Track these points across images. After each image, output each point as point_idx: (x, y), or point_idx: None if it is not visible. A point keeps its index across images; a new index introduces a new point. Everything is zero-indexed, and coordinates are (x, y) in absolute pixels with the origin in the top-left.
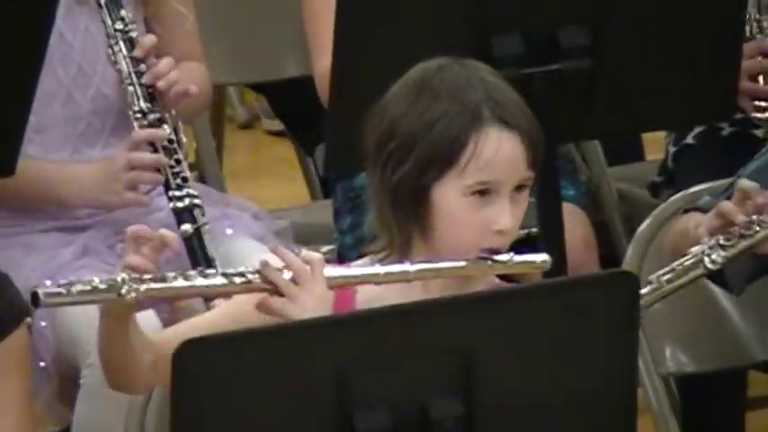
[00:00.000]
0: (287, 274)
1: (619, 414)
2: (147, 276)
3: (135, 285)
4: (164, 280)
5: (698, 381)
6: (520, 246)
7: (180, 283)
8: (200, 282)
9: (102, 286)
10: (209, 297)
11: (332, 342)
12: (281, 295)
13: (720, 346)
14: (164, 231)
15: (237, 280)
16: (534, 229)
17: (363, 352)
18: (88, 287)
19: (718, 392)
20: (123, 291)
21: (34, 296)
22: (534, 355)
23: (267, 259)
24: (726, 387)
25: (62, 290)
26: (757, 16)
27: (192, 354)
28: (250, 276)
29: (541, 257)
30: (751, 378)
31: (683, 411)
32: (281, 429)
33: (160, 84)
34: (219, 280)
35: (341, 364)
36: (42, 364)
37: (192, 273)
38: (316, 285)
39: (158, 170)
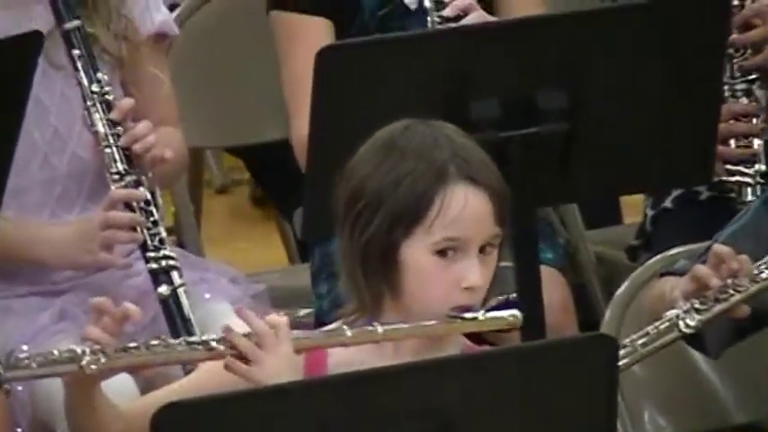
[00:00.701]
0: (252, 338)
1: None
2: (108, 348)
3: (95, 357)
4: (125, 351)
5: None
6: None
7: (142, 353)
8: (162, 352)
9: (63, 358)
10: (173, 365)
11: (308, 406)
12: (247, 359)
13: (699, 410)
14: (127, 305)
15: (200, 348)
16: (513, 295)
17: (341, 416)
18: (48, 359)
19: None
20: (84, 362)
21: None
22: (512, 417)
23: (230, 325)
24: None
25: (22, 363)
26: (729, 80)
27: (169, 419)
28: (213, 344)
29: (511, 314)
30: None
31: None
32: None
33: (137, 147)
34: (182, 349)
35: (320, 427)
36: (19, 430)
37: (154, 342)
38: (280, 348)
39: (134, 230)
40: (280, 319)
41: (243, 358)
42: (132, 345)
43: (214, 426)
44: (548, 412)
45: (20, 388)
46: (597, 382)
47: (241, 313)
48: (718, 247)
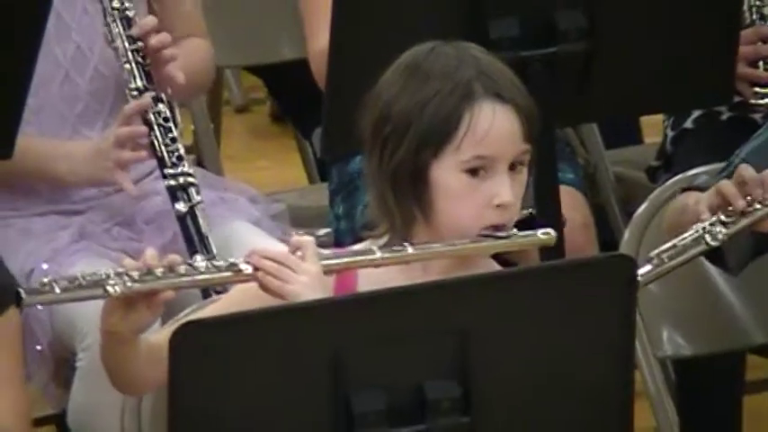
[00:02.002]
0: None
1: (615, 397)
2: (132, 272)
3: (120, 280)
4: (150, 274)
5: (695, 364)
6: (521, 228)
7: (168, 276)
8: (188, 274)
9: (87, 282)
10: (198, 288)
11: (328, 324)
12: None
13: (718, 329)
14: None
15: (226, 271)
16: (531, 210)
17: (360, 334)
18: (72, 284)
19: (716, 376)
20: (108, 285)
21: (17, 295)
22: (531, 337)
23: (254, 248)
24: (723, 370)
25: (45, 287)
26: (757, 2)
27: (188, 337)
28: (241, 266)
29: (545, 232)
30: (749, 361)
31: (680, 395)
32: (277, 411)
33: (152, 41)
34: (209, 271)
35: (337, 346)
36: (39, 347)
37: (180, 266)
38: (309, 266)
39: (152, 146)
40: (305, 238)
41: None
42: (158, 268)
43: (231, 344)
44: (567, 331)
45: (39, 307)
46: (616, 301)
47: (258, 251)
48: (744, 170)
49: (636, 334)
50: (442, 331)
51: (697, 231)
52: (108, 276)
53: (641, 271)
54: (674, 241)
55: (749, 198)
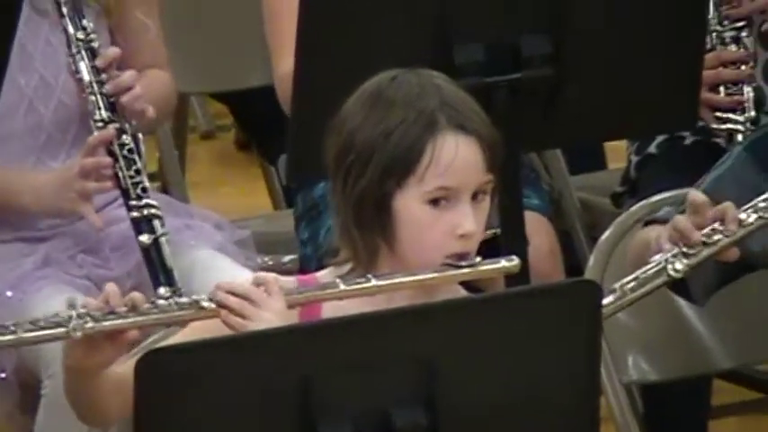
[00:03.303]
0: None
1: (582, 422)
2: (95, 312)
3: (82, 321)
4: (113, 313)
5: (661, 389)
6: (486, 247)
7: (131, 316)
8: (151, 313)
9: (49, 323)
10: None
11: (295, 351)
12: (242, 316)
13: (683, 355)
14: (135, 295)
15: (189, 309)
16: (496, 230)
17: (327, 361)
18: (35, 325)
19: (682, 401)
20: (70, 326)
21: None
22: (497, 363)
23: (220, 283)
24: (689, 395)
25: (8, 329)
26: (718, 27)
27: (153, 364)
28: (204, 304)
29: (509, 260)
30: (715, 386)
31: (646, 420)
32: None
33: (124, 98)
34: (173, 310)
35: (305, 374)
36: (3, 374)
37: (144, 305)
38: (273, 303)
39: (117, 177)
40: (269, 275)
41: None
42: (121, 308)
43: (196, 371)
44: (532, 357)
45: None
46: (581, 327)
47: (223, 286)
48: (694, 196)
49: (601, 359)
50: (408, 358)
51: (659, 263)
52: (70, 318)
53: (603, 302)
54: (637, 273)
55: (704, 231)
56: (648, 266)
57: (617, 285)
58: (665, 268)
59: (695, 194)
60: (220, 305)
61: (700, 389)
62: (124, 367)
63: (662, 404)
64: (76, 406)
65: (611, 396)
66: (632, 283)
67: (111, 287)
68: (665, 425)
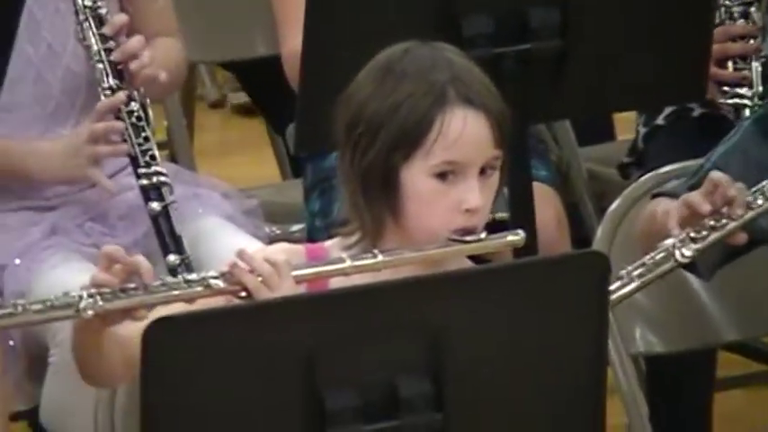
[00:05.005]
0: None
1: (588, 394)
2: (105, 290)
3: (92, 300)
4: (123, 292)
5: (667, 361)
6: (491, 231)
7: (141, 294)
8: (161, 292)
9: (59, 303)
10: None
11: (301, 321)
12: (250, 296)
13: (690, 327)
14: (140, 258)
15: (200, 288)
16: (503, 214)
17: (333, 331)
18: (45, 305)
19: (688, 373)
20: (81, 306)
21: None
22: (504, 334)
23: (235, 260)
24: (695, 367)
25: (18, 308)
26: (726, 2)
27: (161, 332)
28: (212, 282)
29: (515, 234)
30: (720, 358)
31: (652, 391)
32: (250, 408)
33: (132, 65)
34: (182, 288)
35: (311, 343)
36: (11, 342)
37: (153, 283)
38: (283, 283)
39: (125, 142)
40: (278, 256)
41: (245, 294)
42: (131, 285)
43: (203, 340)
44: (539, 328)
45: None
46: (589, 298)
47: (243, 255)
48: (715, 175)
49: (608, 331)
50: (414, 328)
51: (667, 248)
52: (80, 297)
53: (610, 288)
54: (644, 259)
55: (719, 205)
56: (656, 251)
57: (624, 272)
58: (672, 254)
59: (716, 173)
60: (232, 282)
61: (705, 361)
62: (130, 330)
63: (668, 376)
64: (82, 363)
65: (618, 368)
66: (640, 269)
67: (110, 250)
68: (670, 397)
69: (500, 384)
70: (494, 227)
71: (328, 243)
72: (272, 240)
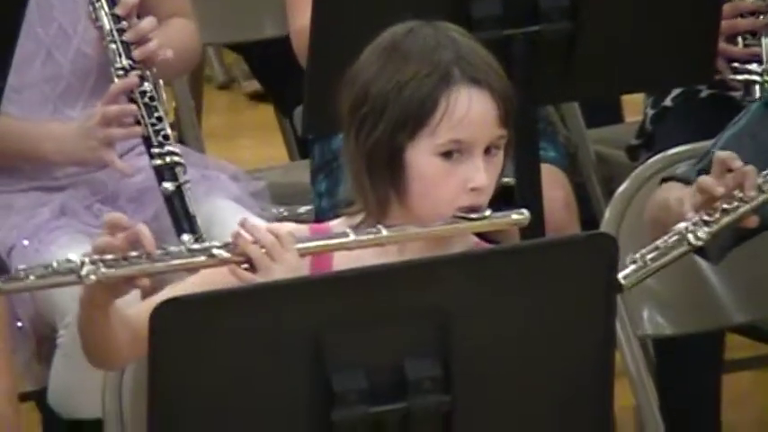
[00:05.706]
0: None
1: (596, 376)
2: (108, 257)
3: (95, 267)
4: (126, 259)
5: (675, 343)
6: (498, 198)
7: (143, 262)
8: (164, 260)
9: (62, 269)
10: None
11: (309, 303)
12: (253, 267)
13: (698, 309)
14: (141, 227)
15: (203, 256)
16: (510, 179)
17: (340, 313)
18: (47, 271)
19: (696, 355)
20: (83, 272)
21: None
22: (511, 315)
23: (239, 231)
24: (703, 349)
25: (20, 275)
26: None
27: (169, 314)
28: (216, 251)
29: (519, 213)
30: (728, 341)
31: (660, 374)
32: (257, 389)
33: (136, 53)
34: (185, 257)
35: (318, 325)
36: (20, 324)
37: (156, 251)
38: (287, 255)
39: (138, 124)
40: (282, 229)
41: (247, 266)
42: (133, 254)
43: (212, 322)
44: (547, 310)
45: None
46: (597, 280)
47: (246, 225)
48: (720, 154)
49: (616, 313)
50: (422, 310)
51: (679, 232)
52: (82, 263)
53: (624, 273)
54: (657, 243)
55: (731, 186)
56: (669, 235)
57: (637, 256)
58: (685, 237)
59: (721, 153)
60: (236, 253)
61: (713, 343)
62: (137, 310)
63: (676, 358)
64: (88, 342)
65: (626, 350)
66: (653, 253)
67: (113, 217)
68: (678, 379)
69: (508, 367)
70: (501, 194)
71: (333, 223)
72: (279, 221)
